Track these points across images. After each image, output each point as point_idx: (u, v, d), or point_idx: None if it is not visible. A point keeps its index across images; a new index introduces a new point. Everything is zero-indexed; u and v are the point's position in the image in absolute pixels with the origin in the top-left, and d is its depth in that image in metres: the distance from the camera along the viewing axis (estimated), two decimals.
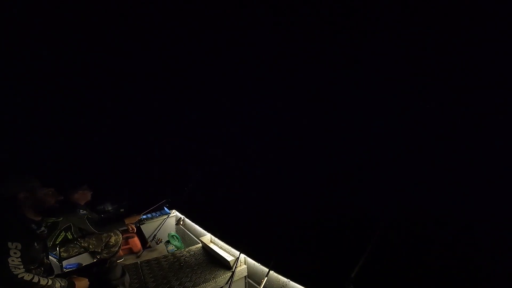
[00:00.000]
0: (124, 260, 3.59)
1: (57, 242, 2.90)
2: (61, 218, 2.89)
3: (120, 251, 3.44)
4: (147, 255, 3.72)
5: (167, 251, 3.78)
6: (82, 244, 3.01)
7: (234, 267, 2.68)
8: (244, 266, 2.78)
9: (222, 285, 2.64)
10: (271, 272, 2.39)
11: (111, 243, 3.14)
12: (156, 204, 4.32)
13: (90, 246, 3.05)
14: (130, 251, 3.94)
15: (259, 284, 2.33)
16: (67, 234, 2.95)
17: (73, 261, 3.14)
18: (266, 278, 2.33)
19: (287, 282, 2.32)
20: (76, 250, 3.02)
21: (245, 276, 2.80)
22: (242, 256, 2.79)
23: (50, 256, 2.01)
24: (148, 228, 4.19)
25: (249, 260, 2.78)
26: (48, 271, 1.90)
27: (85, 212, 2.97)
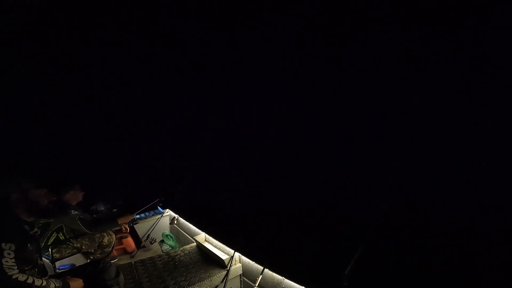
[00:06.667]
0: (118, 260, 3.65)
1: (49, 243, 2.93)
2: (52, 219, 2.91)
3: (114, 251, 3.49)
4: (142, 255, 3.77)
5: (162, 250, 3.84)
6: (75, 245, 3.05)
7: (229, 266, 2.75)
8: (239, 265, 2.86)
9: (217, 284, 2.72)
10: (266, 270, 2.46)
11: (104, 244, 3.18)
12: (149, 203, 4.36)
13: (83, 247, 3.08)
14: (124, 251, 3.99)
15: (254, 282, 2.40)
16: (58, 235, 2.98)
17: (66, 261, 3.17)
18: (261, 276, 2.40)
19: (282, 279, 2.40)
20: (68, 251, 3.06)
21: (240, 275, 2.88)
22: (237, 254, 2.86)
23: (43, 257, 2.04)
24: (142, 228, 4.24)
25: (244, 258, 2.86)
26: (42, 272, 1.95)
27: (76, 212, 3.00)
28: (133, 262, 3.16)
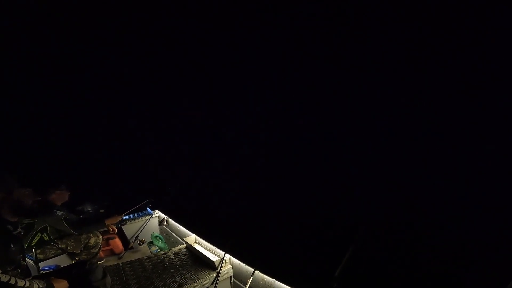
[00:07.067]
0: (105, 262, 3.65)
1: (33, 244, 2.92)
2: (36, 219, 2.91)
3: (101, 252, 3.49)
4: (130, 256, 3.78)
5: (151, 252, 3.85)
6: (60, 246, 3.04)
7: (219, 268, 2.76)
8: (230, 266, 2.88)
9: (207, 286, 2.74)
10: (257, 272, 2.49)
11: (91, 244, 3.18)
12: (138, 204, 4.37)
13: (69, 248, 3.08)
14: (112, 252, 3.99)
15: (245, 284, 2.43)
16: (43, 235, 2.96)
17: (50, 262, 3.18)
18: (251, 278, 2.44)
19: (273, 281, 2.43)
20: (53, 252, 3.05)
21: (231, 276, 2.89)
22: (227, 256, 2.88)
23: (26, 258, 2.05)
24: (130, 229, 4.24)
25: (234, 260, 2.87)
26: (25, 272, 1.94)
27: (62, 212, 2.98)
28: (120, 263, 3.16)
